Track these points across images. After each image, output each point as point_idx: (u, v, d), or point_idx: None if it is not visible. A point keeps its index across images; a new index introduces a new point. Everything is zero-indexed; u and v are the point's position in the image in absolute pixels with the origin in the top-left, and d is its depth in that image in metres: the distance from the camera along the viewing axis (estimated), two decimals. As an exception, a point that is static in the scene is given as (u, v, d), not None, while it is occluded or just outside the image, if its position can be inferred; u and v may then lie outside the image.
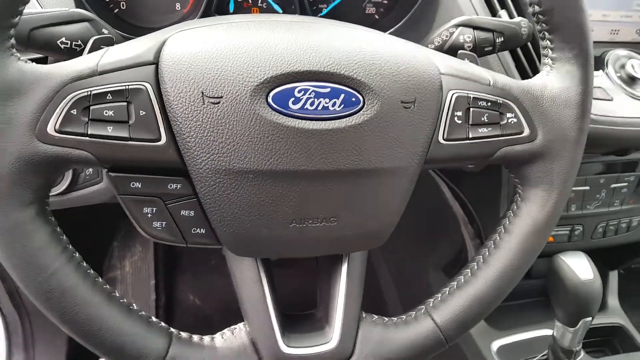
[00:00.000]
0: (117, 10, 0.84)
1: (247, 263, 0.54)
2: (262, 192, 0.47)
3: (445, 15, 0.80)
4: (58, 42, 0.53)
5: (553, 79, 0.56)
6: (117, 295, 0.51)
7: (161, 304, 1.47)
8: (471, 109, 0.52)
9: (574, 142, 0.56)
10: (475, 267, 0.58)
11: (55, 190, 0.75)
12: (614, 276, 1.13)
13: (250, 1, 0.86)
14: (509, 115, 0.54)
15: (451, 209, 0.93)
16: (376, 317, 0.58)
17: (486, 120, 0.53)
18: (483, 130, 0.53)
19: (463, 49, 0.62)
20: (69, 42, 0.54)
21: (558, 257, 0.77)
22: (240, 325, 0.55)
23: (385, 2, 0.93)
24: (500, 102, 0.53)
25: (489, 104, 0.53)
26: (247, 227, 0.49)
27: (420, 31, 0.82)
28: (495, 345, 1.03)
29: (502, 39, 0.64)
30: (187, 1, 0.85)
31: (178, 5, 0.85)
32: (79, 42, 0.54)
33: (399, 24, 0.90)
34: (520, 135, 0.54)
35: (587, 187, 0.91)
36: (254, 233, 0.49)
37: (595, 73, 0.82)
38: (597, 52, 0.87)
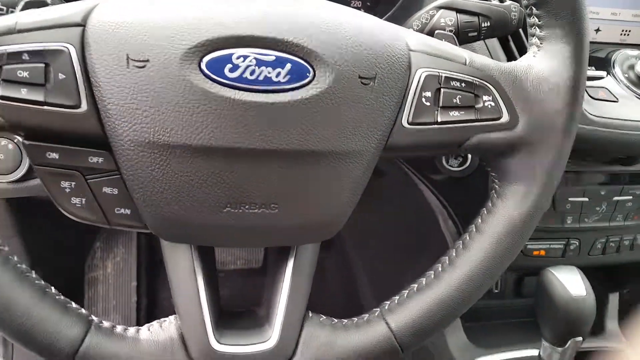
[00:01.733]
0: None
1: (181, 250, 0.48)
2: (191, 170, 0.42)
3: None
4: None
5: (540, 59, 0.49)
6: (34, 276, 0.46)
7: (142, 307, 1.44)
8: (442, 90, 0.46)
9: (562, 131, 0.49)
10: (440, 269, 0.52)
11: (12, 177, 0.71)
12: (614, 298, 1.05)
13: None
14: (485, 98, 0.47)
15: (432, 209, 0.87)
16: (324, 317, 0.52)
17: (458, 103, 0.47)
18: (454, 114, 0.47)
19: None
20: (5, 8, 0.50)
21: (548, 270, 0.70)
22: (171, 317, 0.50)
23: (373, -5, 0.88)
24: (477, 82, 0.47)
25: (463, 84, 0.47)
26: (174, 209, 0.43)
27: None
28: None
29: (489, 23, 0.58)
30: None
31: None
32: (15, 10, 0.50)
33: (385, 16, 0.85)
34: (498, 122, 0.48)
35: (586, 199, 0.83)
36: (183, 217, 0.43)
37: (600, 74, 0.75)
38: (603, 53, 0.81)
